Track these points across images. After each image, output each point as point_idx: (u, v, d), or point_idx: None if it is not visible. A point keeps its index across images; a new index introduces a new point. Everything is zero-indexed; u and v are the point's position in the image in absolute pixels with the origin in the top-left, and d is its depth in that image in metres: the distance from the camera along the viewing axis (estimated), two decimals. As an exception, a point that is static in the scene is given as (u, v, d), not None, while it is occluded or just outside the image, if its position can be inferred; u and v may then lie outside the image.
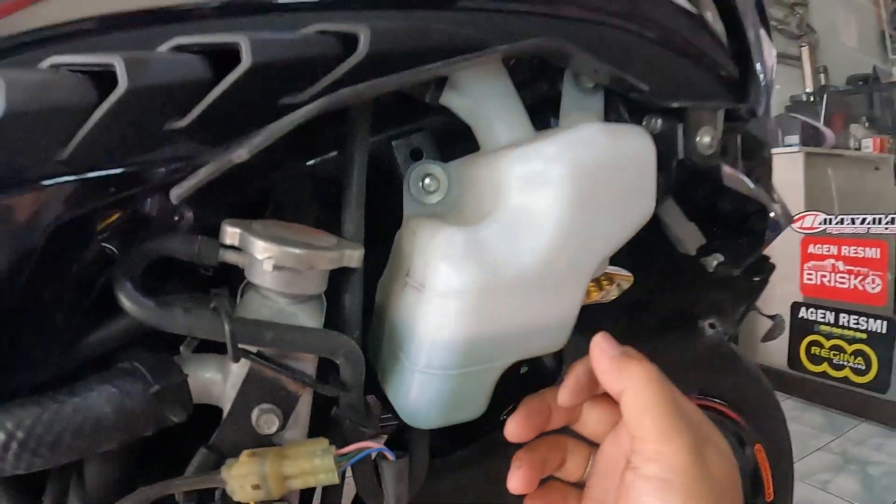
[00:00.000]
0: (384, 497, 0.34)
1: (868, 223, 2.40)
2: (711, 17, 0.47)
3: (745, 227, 0.55)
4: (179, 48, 0.29)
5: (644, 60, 0.42)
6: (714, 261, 0.54)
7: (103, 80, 0.28)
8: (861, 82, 4.27)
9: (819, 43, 4.34)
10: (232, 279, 0.34)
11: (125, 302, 0.30)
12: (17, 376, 0.32)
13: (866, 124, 3.88)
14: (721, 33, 0.48)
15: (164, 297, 0.31)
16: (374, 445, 0.33)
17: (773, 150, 2.13)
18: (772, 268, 0.63)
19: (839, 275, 2.52)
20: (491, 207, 0.34)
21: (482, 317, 0.31)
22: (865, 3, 4.74)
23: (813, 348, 2.57)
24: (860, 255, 2.45)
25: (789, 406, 2.67)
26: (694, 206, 0.53)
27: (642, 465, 0.30)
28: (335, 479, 0.31)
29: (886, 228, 2.35)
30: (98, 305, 0.34)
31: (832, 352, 2.53)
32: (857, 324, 2.46)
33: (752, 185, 0.50)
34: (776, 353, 2.63)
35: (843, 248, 2.49)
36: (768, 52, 0.56)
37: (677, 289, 0.60)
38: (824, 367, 2.54)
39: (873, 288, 2.42)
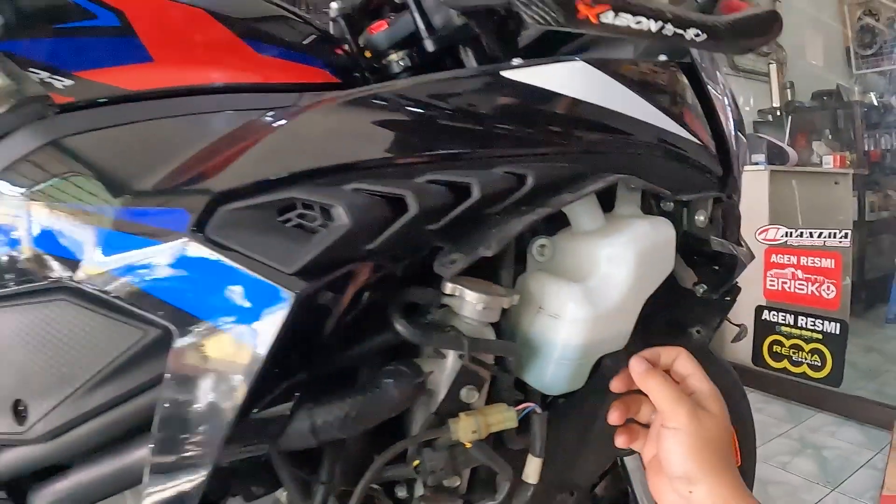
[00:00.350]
0: (532, 439, 0.60)
1: (824, 237, 2.58)
2: (707, 137, 0.74)
3: (721, 265, 0.81)
4: (357, 190, 0.49)
5: (667, 173, 0.68)
6: (700, 288, 0.81)
7: (391, 201, 0.51)
8: (825, 97, 4.47)
9: (787, 60, 4.47)
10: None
11: (401, 329, 0.52)
12: (309, 372, 0.54)
13: (829, 136, 4.08)
14: (713, 147, 0.74)
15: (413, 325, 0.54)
16: (532, 404, 0.59)
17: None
18: (738, 290, 0.89)
19: (798, 282, 2.68)
20: (588, 271, 0.60)
21: (591, 332, 0.58)
22: (832, 22, 4.81)
23: (775, 347, 2.72)
24: (817, 265, 2.63)
25: (754, 398, 2.73)
26: (690, 255, 0.80)
27: (665, 422, 0.55)
28: (515, 424, 0.56)
29: (840, 242, 2.54)
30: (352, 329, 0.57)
31: (792, 350, 2.67)
32: (814, 325, 2.61)
33: (728, 245, 0.77)
34: (742, 351, 2.79)
35: (802, 258, 2.67)
36: (743, 151, 0.82)
37: (676, 306, 0.85)
38: (785, 363, 2.69)
39: (828, 294, 2.60)
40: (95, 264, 0.49)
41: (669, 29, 0.45)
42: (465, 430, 0.55)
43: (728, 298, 0.87)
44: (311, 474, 0.58)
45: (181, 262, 0.47)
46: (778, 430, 2.59)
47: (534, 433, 0.59)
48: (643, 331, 0.67)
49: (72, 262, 0.50)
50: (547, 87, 0.57)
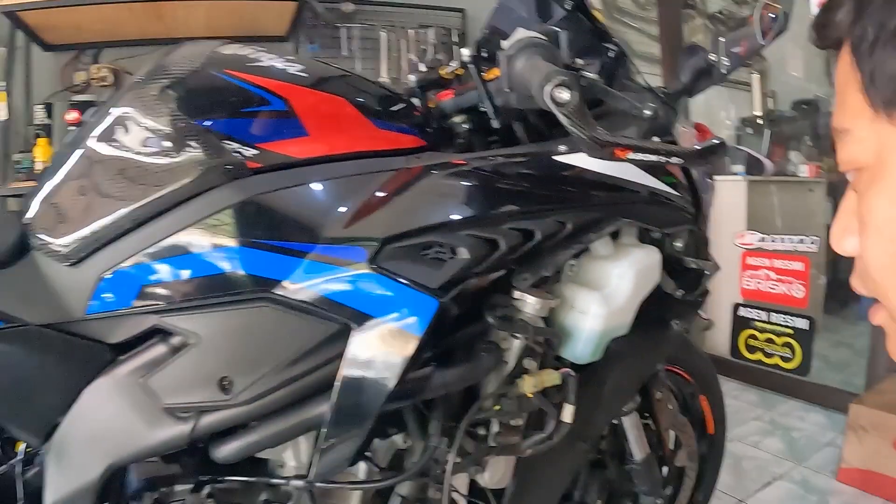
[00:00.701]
0: (567, 392, 0.91)
1: (795, 242, 2.83)
2: (684, 189, 1.06)
3: (694, 275, 1.13)
4: (469, 235, 0.81)
5: (656, 215, 1.00)
6: (679, 293, 1.13)
7: (488, 241, 0.83)
8: (805, 106, 4.76)
9: (769, 71, 4.62)
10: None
11: (492, 321, 0.84)
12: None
13: (809, 143, 4.36)
14: (688, 195, 1.06)
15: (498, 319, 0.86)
16: (568, 369, 0.91)
17: (722, 178, 2.83)
18: (707, 292, 1.21)
19: (771, 282, 2.91)
20: (603, 282, 0.93)
21: (606, 322, 0.90)
22: (814, 36, 5.15)
23: (750, 340, 2.95)
24: (788, 268, 2.86)
25: (731, 387, 3.09)
26: (671, 269, 1.12)
27: None
28: (558, 382, 0.89)
29: (808, 247, 2.77)
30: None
31: (765, 343, 2.91)
32: (785, 321, 2.85)
33: (698, 261, 1.09)
34: (720, 344, 3.03)
35: (775, 261, 2.89)
36: (710, 194, 1.15)
37: (662, 306, 1.14)
38: (759, 355, 2.94)
39: (798, 293, 2.83)
40: (296, 283, 0.77)
41: (662, 158, 0.76)
42: (528, 385, 0.87)
43: (700, 299, 1.19)
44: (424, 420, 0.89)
45: (360, 280, 0.77)
46: (752, 414, 2.85)
47: (569, 388, 0.92)
48: (638, 322, 0.99)
49: (275, 281, 0.77)
50: (581, 165, 0.88)
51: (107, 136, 0.82)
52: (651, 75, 3.86)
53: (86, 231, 0.79)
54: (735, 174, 3.46)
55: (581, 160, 0.87)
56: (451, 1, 3.88)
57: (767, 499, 2.21)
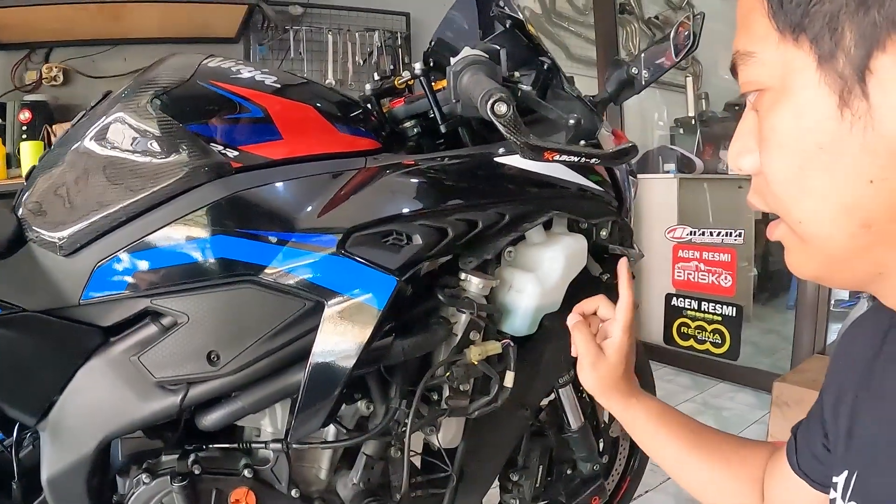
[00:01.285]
0: (508, 360, 1.06)
1: (722, 235, 3.03)
2: (609, 185, 1.22)
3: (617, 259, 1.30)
4: (422, 225, 0.97)
5: (584, 207, 1.16)
6: (605, 276, 1.30)
7: (438, 230, 0.98)
8: (736, 107, 5.02)
9: (702, 73, 4.94)
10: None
11: (443, 298, 0.99)
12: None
13: None
14: (612, 190, 1.23)
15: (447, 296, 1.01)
16: (508, 340, 1.06)
17: (654, 176, 3.09)
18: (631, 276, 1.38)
19: (701, 273, 3.10)
20: (537, 266, 1.09)
21: (540, 300, 1.06)
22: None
23: (682, 328, 3.17)
24: (716, 259, 3.05)
25: (666, 371, 3.32)
26: (598, 255, 1.29)
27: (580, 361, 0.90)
28: (499, 351, 1.03)
29: (735, 240, 2.98)
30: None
31: (696, 330, 3.13)
32: (715, 309, 3.07)
33: (622, 248, 1.26)
34: (654, 331, 3.22)
35: (704, 253, 3.09)
36: (633, 189, 1.32)
37: (588, 286, 1.27)
38: (691, 342, 3.16)
39: (726, 283, 3.03)
40: (275, 267, 0.90)
41: (584, 159, 0.91)
42: (474, 354, 1.02)
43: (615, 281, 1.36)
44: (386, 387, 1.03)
45: (331, 263, 0.91)
46: (685, 396, 3.06)
47: (510, 357, 1.07)
48: (568, 300, 1.14)
49: (257, 266, 0.90)
50: (517, 165, 1.03)
51: (101, 137, 0.92)
52: (588, 77, 4.08)
53: (82, 223, 0.90)
54: (667, 172, 3.69)
55: (517, 161, 1.02)
56: (396, 5, 4.02)
57: (698, 472, 2.38)
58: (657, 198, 3.52)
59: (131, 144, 0.91)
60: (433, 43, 1.20)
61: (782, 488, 0.69)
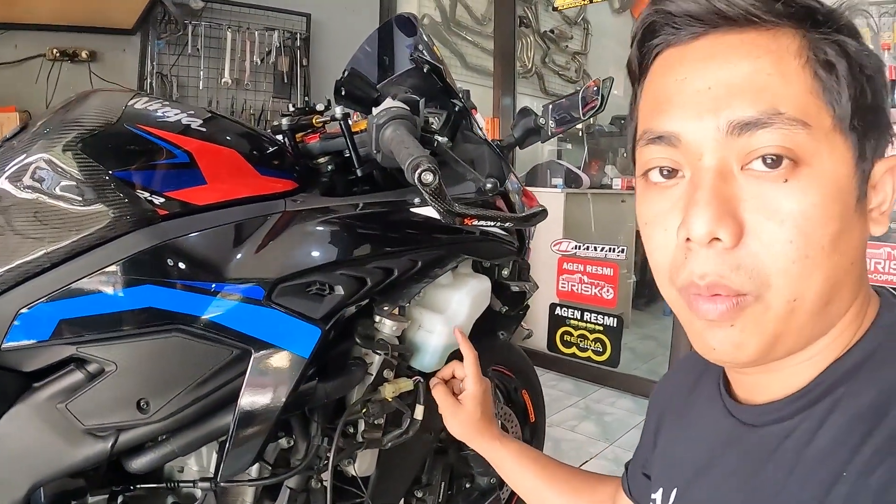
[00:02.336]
0: (418, 395, 1.17)
1: (605, 250, 3.25)
2: (511, 228, 1.35)
3: (516, 296, 1.45)
4: (342, 274, 1.06)
5: (488, 250, 1.29)
6: (504, 310, 1.44)
7: (358, 279, 1.07)
8: (622, 121, 5.31)
9: None
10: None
11: (360, 341, 1.09)
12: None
13: (624, 156, 4.88)
14: (515, 234, 1.36)
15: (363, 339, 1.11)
16: (419, 377, 1.17)
17: (542, 190, 3.30)
18: (527, 308, 1.53)
19: (584, 285, 3.32)
20: (445, 306, 1.20)
21: (447, 338, 1.18)
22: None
23: (565, 336, 3.37)
24: (599, 272, 3.27)
25: (549, 377, 3.46)
26: (499, 291, 1.42)
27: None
28: (411, 387, 1.14)
29: (618, 255, 3.20)
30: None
31: (579, 339, 3.33)
32: (597, 320, 3.28)
33: (521, 284, 1.40)
34: (539, 339, 3.37)
35: (588, 266, 3.30)
36: (532, 231, 1.46)
37: (491, 321, 1.44)
38: (573, 349, 3.36)
39: (608, 295, 3.26)
40: (203, 316, 0.95)
41: (499, 223, 1.03)
42: (388, 391, 1.13)
43: (521, 314, 1.51)
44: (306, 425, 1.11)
45: (258, 314, 0.98)
46: (568, 402, 3.23)
47: (420, 392, 1.18)
48: (473, 336, 1.26)
49: (185, 315, 0.94)
50: (430, 216, 1.13)
51: (20, 178, 0.91)
52: (483, 86, 4.25)
53: (2, 268, 0.89)
54: (555, 187, 3.91)
55: (431, 211, 1.12)
56: (297, 5, 4.04)
57: (582, 475, 2.57)
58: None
59: (55, 188, 0.91)
60: (346, 73, 1.24)
61: None
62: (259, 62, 3.92)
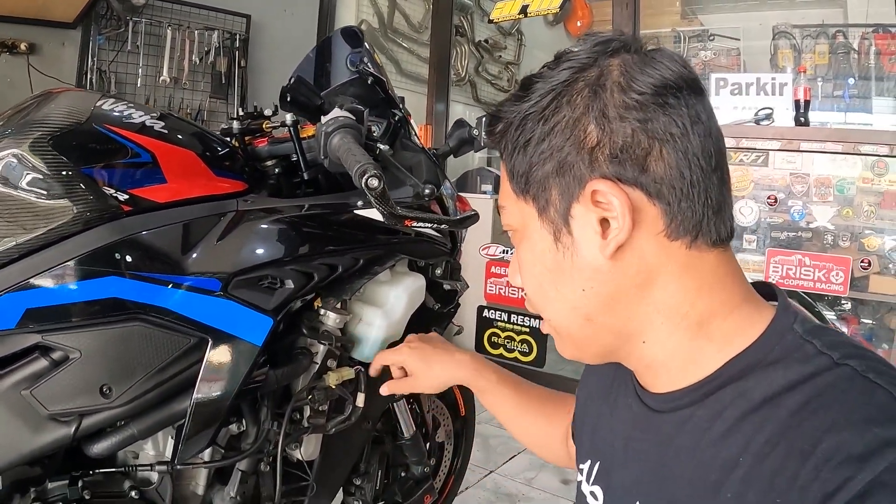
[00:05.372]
0: (359, 383, 1.28)
1: None
2: (445, 231, 1.48)
3: (448, 294, 1.58)
4: (291, 269, 1.19)
5: (423, 250, 1.41)
6: (437, 307, 1.56)
7: (305, 274, 1.17)
8: None
9: None
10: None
11: (307, 332, 1.20)
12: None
13: None
14: (448, 236, 1.49)
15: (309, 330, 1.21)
16: (360, 367, 1.28)
17: (472, 196, 3.46)
18: (458, 305, 1.66)
19: (512, 288, 3.43)
20: (383, 301, 1.33)
21: (385, 331, 1.30)
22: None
23: (493, 337, 3.49)
24: None
25: None
26: (432, 289, 1.54)
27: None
28: (352, 376, 1.26)
29: None
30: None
31: (506, 340, 3.45)
32: (524, 322, 3.40)
33: (452, 283, 1.53)
34: (468, 340, 3.50)
35: None
36: (464, 233, 1.59)
37: (424, 316, 1.55)
38: (501, 350, 3.47)
39: None
40: (165, 307, 1.03)
41: (436, 225, 1.16)
42: (332, 379, 1.24)
43: (453, 311, 1.64)
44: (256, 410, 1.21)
45: (216, 305, 1.07)
46: None
47: (361, 381, 1.29)
48: (408, 330, 1.38)
49: (147, 305, 1.02)
50: (371, 217, 1.25)
51: None
52: (418, 93, 4.38)
53: None
54: (485, 193, 4.06)
55: (373, 213, 1.24)
56: (238, 6, 4.10)
57: (512, 470, 2.73)
58: (473, 217, 3.83)
59: (24, 182, 0.96)
60: (292, 80, 1.29)
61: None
62: (198, 62, 3.94)
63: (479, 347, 3.53)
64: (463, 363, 1.07)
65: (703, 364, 0.60)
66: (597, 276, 0.59)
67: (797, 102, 2.82)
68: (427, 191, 1.19)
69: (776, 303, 0.62)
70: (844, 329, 2.96)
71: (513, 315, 3.47)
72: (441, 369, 1.08)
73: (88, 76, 3.60)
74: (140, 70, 3.78)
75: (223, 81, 4.06)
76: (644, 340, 0.62)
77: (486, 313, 3.53)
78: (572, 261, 0.60)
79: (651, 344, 0.62)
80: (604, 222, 0.58)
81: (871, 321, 2.98)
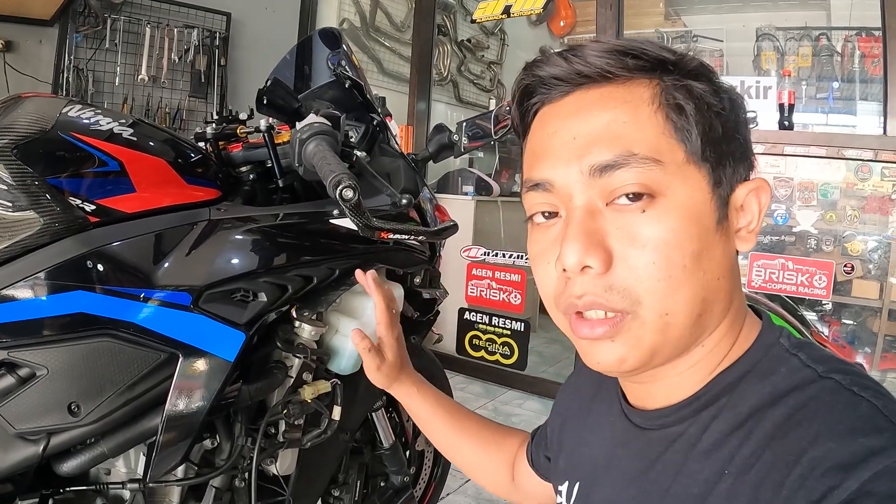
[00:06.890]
0: (336, 396, 1.27)
1: (513, 257, 3.41)
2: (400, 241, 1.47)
3: (427, 302, 1.57)
4: (265, 281, 1.17)
5: (401, 260, 1.41)
6: (416, 315, 1.55)
7: (279, 286, 1.16)
8: None
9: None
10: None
11: (281, 345, 1.18)
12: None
13: None
14: (427, 245, 1.48)
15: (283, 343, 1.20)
16: (336, 380, 1.27)
17: (453, 197, 3.48)
18: (438, 313, 1.65)
19: (493, 290, 3.47)
20: (361, 312, 1.31)
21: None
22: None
23: (474, 340, 3.51)
24: (507, 279, 3.43)
25: (458, 380, 3.61)
26: (411, 298, 1.53)
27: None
28: (329, 389, 1.24)
29: (526, 262, 3.30)
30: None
31: (487, 342, 3.48)
32: (505, 324, 3.43)
33: (432, 291, 1.52)
34: (448, 343, 3.51)
35: (496, 272, 3.46)
36: (443, 243, 1.58)
37: (404, 325, 1.55)
38: (482, 353, 3.50)
39: (515, 301, 3.43)
40: (134, 322, 1.01)
41: (413, 236, 1.14)
42: (307, 393, 1.22)
43: (432, 319, 1.63)
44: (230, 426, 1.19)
45: (186, 319, 1.06)
46: (477, 404, 3.37)
47: (337, 394, 1.28)
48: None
49: (115, 321, 1.00)
50: (347, 226, 1.23)
51: None
52: (399, 93, 4.37)
53: None
54: (466, 194, 4.07)
55: (348, 222, 1.22)
56: (218, 4, 4.09)
57: (489, 474, 2.72)
58: (455, 218, 3.82)
59: None
60: (269, 83, 1.29)
61: (524, 473, 0.96)
62: (177, 60, 3.93)
63: (461, 350, 3.55)
64: (414, 374, 1.10)
65: (694, 377, 0.60)
66: (731, 268, 0.59)
67: (781, 106, 2.84)
68: (404, 200, 1.18)
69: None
70: (825, 331, 2.99)
71: (494, 317, 3.49)
72: (400, 368, 1.09)
73: (65, 74, 3.57)
74: (118, 68, 3.75)
75: (202, 80, 4.04)
76: (703, 344, 0.60)
77: (467, 315, 3.54)
78: (724, 247, 0.57)
79: (696, 351, 0.60)
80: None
81: (852, 322, 3.02)
